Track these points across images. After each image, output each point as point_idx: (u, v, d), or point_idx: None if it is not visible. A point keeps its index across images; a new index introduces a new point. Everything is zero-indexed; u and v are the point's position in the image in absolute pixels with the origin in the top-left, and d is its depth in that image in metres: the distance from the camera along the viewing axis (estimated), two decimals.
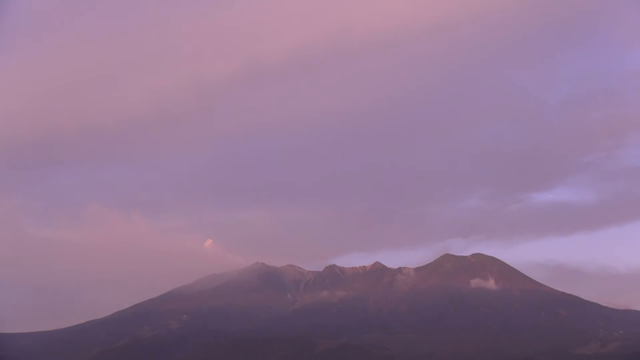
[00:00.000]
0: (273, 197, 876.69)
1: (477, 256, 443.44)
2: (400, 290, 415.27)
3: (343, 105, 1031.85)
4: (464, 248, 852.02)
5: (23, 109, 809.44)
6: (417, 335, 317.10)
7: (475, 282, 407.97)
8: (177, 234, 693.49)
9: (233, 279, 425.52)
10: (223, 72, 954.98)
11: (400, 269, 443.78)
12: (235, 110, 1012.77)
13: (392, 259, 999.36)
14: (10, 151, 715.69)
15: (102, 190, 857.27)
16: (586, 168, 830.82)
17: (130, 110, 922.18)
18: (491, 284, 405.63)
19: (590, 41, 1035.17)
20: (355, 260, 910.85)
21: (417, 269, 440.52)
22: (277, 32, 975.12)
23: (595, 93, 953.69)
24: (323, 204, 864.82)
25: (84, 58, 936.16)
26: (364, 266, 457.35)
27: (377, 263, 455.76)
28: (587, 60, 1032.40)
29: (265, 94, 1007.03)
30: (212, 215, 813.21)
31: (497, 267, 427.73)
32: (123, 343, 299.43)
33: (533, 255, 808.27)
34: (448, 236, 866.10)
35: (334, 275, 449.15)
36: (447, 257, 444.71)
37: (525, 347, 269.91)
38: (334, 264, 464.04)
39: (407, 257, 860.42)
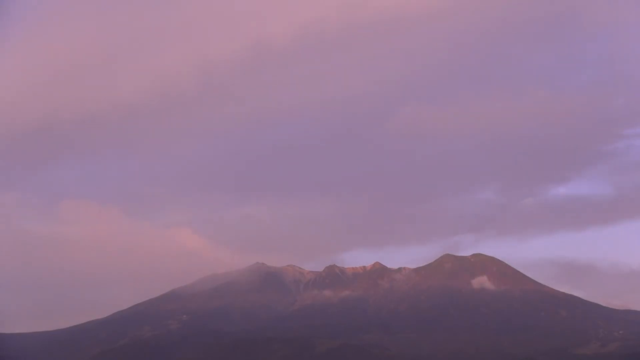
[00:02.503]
0: (273, 194, 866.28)
1: (477, 256, 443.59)
2: (400, 290, 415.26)
3: (345, 93, 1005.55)
4: (473, 245, 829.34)
5: (15, 97, 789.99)
6: (417, 335, 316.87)
7: (475, 282, 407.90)
8: (176, 232, 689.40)
9: (233, 279, 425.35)
10: (226, 55, 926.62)
11: (400, 269, 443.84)
12: (237, 98, 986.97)
13: (395, 258, 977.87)
14: (4, 143, 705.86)
15: (100, 186, 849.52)
16: (605, 159, 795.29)
17: (129, 97, 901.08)
18: (491, 284, 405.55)
19: (612, 24, 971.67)
20: (358, 257, 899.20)
21: (417, 269, 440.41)
22: (284, 11, 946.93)
23: (616, 79, 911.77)
24: (324, 201, 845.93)
25: (81, 41, 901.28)
26: (364, 266, 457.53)
27: (377, 263, 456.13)
28: (608, 44, 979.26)
29: (269, 79, 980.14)
30: (213, 214, 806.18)
31: (497, 267, 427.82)
32: (123, 343, 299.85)
33: (544, 252, 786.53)
34: (456, 232, 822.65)
35: (334, 276, 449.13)
36: (447, 257, 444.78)
37: (525, 347, 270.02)
38: (334, 264, 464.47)
39: (412, 254, 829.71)
